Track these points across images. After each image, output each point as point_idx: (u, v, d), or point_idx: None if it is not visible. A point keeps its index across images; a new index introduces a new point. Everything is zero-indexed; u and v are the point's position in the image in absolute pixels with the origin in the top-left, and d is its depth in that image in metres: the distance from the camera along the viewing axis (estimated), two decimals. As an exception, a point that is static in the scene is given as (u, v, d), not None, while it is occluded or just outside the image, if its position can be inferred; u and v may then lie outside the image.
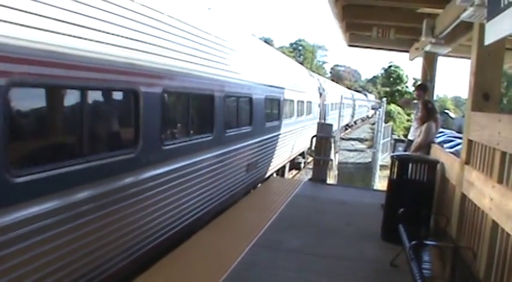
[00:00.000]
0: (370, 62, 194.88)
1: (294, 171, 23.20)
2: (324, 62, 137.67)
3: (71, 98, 5.26)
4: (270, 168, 15.07)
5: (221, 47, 9.79)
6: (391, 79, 73.02)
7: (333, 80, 64.21)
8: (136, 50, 6.21)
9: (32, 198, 4.50)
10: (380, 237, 8.40)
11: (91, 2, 5.26)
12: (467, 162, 6.41)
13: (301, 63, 45.15)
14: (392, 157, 8.92)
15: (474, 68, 6.52)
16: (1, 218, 4.13)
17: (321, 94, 27.58)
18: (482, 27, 5.63)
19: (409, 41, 13.57)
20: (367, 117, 78.06)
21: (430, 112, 9.88)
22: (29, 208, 4.44)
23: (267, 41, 60.16)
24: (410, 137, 10.93)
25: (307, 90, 22.39)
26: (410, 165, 8.16)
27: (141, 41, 6.34)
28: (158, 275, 6.28)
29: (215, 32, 9.69)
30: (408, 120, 54.14)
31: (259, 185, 13.42)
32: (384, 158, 24.08)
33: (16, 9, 4.20)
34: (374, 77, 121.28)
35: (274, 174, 16.50)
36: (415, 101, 11.69)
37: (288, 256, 7.28)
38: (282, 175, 18.93)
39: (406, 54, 14.99)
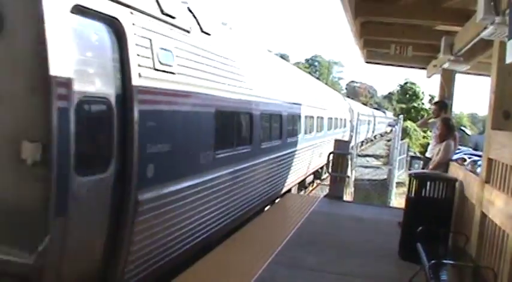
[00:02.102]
0: (386, 78, 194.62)
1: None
2: (339, 78, 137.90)
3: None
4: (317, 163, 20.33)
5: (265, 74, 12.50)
6: (407, 95, 72.68)
7: (348, 96, 64.25)
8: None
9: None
10: (398, 255, 8.33)
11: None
12: (487, 181, 6.36)
13: (318, 79, 45.90)
14: (410, 175, 8.86)
15: (494, 85, 6.50)
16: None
17: (350, 113, 34.36)
18: (503, 45, 5.62)
19: (426, 58, 13.58)
20: (386, 133, 78.50)
21: (450, 130, 9.82)
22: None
23: (283, 57, 60.24)
24: (428, 154, 10.86)
25: (343, 111, 30.17)
26: (428, 183, 8.11)
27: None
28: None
29: (256, 59, 12.50)
30: (424, 137, 53.83)
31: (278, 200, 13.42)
32: (399, 175, 23.93)
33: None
34: (390, 93, 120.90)
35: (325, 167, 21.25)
36: (431, 120, 11.63)
37: (306, 274, 7.24)
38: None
39: (422, 71, 14.99)
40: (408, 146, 35.69)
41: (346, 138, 26.84)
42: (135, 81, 5.58)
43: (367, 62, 15.56)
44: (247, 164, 10.16)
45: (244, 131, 10.34)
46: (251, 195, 10.71)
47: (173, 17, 6.85)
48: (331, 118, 23.11)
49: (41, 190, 4.50)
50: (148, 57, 5.95)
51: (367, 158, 41.41)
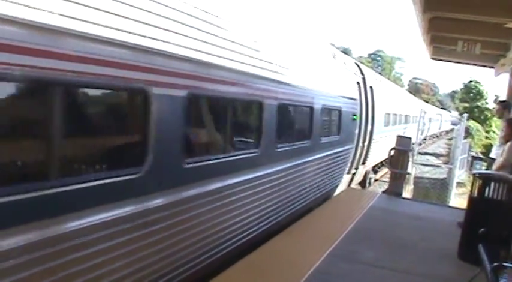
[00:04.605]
0: (449, 76, 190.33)
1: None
2: (401, 74, 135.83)
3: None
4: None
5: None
6: (471, 94, 71.17)
7: (410, 93, 63.48)
8: None
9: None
10: (457, 255, 8.21)
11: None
12: (556, 185, 6.19)
13: (380, 74, 46.16)
14: (474, 175, 8.70)
15: None
16: None
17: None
18: None
19: (495, 56, 13.28)
20: (451, 130, 78.08)
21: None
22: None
23: (345, 51, 59.83)
24: (492, 155, 10.63)
25: (416, 110, 40.87)
26: (492, 183, 7.96)
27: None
28: (231, 280, 6.33)
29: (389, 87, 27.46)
30: (487, 138, 52.60)
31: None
32: (459, 175, 23.41)
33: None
34: (453, 91, 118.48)
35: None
36: None
37: (363, 268, 7.25)
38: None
39: (487, 70, 14.67)
40: (470, 146, 34.87)
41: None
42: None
43: (432, 59, 15.33)
44: (398, 129, 23.99)
45: (399, 117, 25.70)
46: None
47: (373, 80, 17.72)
48: (415, 116, 36.89)
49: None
50: (375, 97, 16.88)
51: (427, 156, 40.74)
